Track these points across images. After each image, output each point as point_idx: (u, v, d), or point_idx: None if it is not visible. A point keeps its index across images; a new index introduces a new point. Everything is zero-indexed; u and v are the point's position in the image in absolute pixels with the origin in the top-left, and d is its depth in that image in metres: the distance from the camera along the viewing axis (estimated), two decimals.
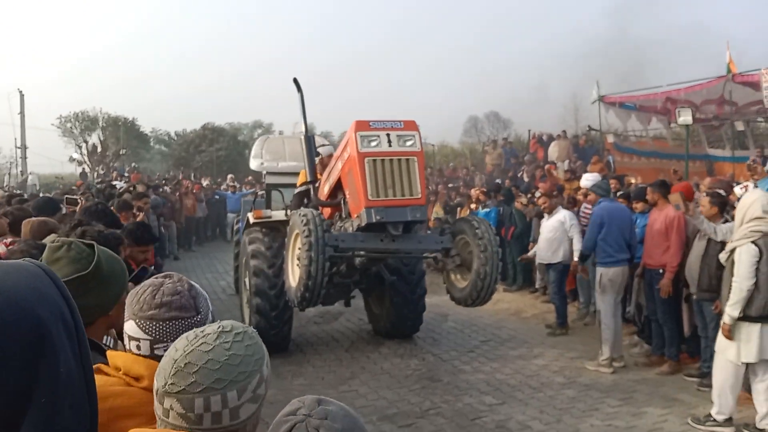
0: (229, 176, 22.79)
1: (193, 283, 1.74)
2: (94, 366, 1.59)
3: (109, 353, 1.72)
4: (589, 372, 6.78)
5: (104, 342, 2.17)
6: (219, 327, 1.33)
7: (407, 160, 5.70)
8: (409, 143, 5.74)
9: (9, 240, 4.66)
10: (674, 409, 5.68)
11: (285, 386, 6.53)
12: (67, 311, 1.04)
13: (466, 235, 6.00)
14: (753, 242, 4.99)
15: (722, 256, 5.35)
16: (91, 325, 1.96)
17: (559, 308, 8.48)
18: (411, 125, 5.84)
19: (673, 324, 6.58)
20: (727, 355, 5.12)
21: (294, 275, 6.11)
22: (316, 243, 5.46)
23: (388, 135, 5.69)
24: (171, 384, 1.26)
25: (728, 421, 5.22)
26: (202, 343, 1.28)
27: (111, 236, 3.05)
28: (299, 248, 5.75)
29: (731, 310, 5.00)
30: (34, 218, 4.19)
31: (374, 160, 5.62)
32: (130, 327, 1.67)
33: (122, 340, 2.22)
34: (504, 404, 5.99)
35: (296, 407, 1.24)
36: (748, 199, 5.19)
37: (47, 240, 3.88)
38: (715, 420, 5.26)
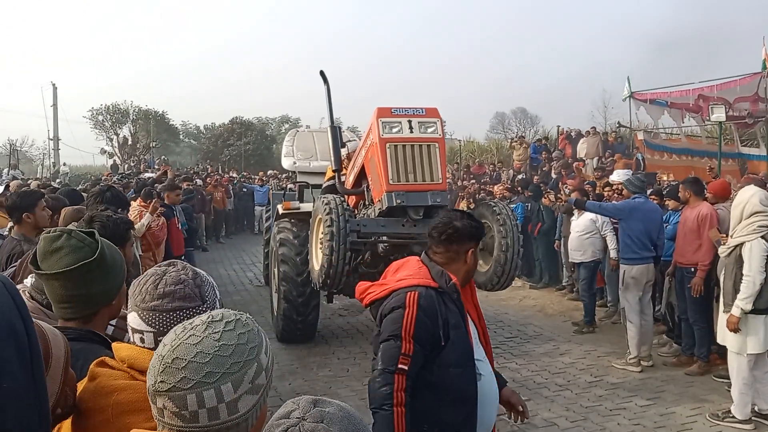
0: (270, 171, 23.21)
1: (198, 270, 1.67)
2: (98, 359, 1.56)
3: (114, 345, 1.65)
4: (617, 371, 6.70)
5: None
6: (208, 317, 1.27)
7: (428, 146, 5.75)
8: (430, 130, 5.80)
9: None
10: (703, 410, 5.59)
11: (311, 377, 6.59)
12: (21, 326, 0.99)
13: (488, 220, 5.98)
14: (762, 237, 5.03)
15: (723, 251, 5.37)
16: (95, 315, 1.92)
17: (588, 306, 8.40)
18: (433, 112, 5.89)
19: (704, 324, 6.46)
20: (736, 349, 5.18)
21: (317, 258, 6.19)
22: (337, 233, 5.52)
23: (409, 121, 5.75)
24: (160, 382, 1.20)
25: (747, 418, 5.21)
26: (191, 335, 1.22)
27: (120, 221, 3.02)
28: (322, 233, 5.82)
29: (744, 303, 5.04)
30: (69, 207, 4.25)
31: (396, 146, 5.68)
32: (133, 319, 1.61)
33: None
34: (530, 401, 5.94)
35: (290, 409, 1.14)
36: (746, 194, 5.20)
37: (71, 227, 3.93)
38: (734, 416, 5.25)
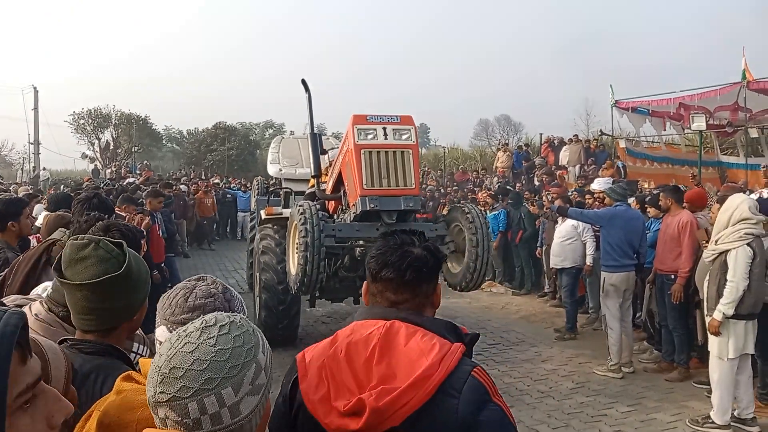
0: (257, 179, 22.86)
1: (227, 285, 1.67)
2: (125, 373, 1.55)
3: (141, 361, 1.62)
4: (598, 377, 6.73)
5: (136, 350, 2.05)
6: (202, 322, 1.25)
7: (402, 152, 5.89)
8: (404, 137, 5.94)
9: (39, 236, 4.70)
10: (683, 416, 5.62)
11: None
12: None
13: (460, 223, 6.20)
14: (747, 244, 5.10)
15: (707, 256, 5.41)
16: (115, 330, 1.87)
17: (570, 312, 8.44)
18: (407, 120, 6.04)
19: (684, 330, 6.53)
20: (719, 354, 5.23)
21: (294, 262, 6.30)
22: (311, 244, 5.65)
23: (384, 128, 5.90)
24: (160, 393, 1.19)
25: (726, 424, 5.26)
26: (186, 343, 1.21)
27: (136, 230, 2.99)
28: (298, 241, 5.92)
29: (726, 308, 5.11)
30: (51, 213, 4.19)
31: (370, 152, 5.82)
32: (161, 333, 1.60)
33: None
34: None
35: None
36: (735, 201, 5.28)
37: (56, 235, 3.87)
38: (713, 422, 5.29)
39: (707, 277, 5.35)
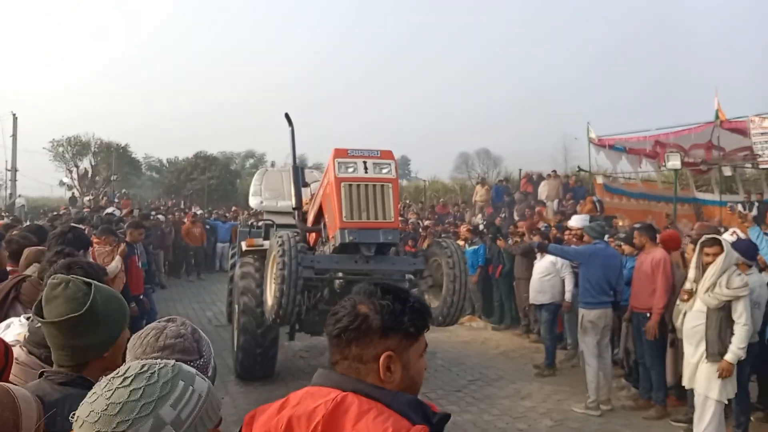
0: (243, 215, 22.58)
1: (195, 327, 1.75)
2: None
3: None
4: (577, 415, 6.73)
5: None
6: (117, 372, 1.26)
7: (382, 186, 5.95)
8: (384, 171, 6.01)
9: (9, 269, 4.63)
10: None
11: None
12: None
13: (438, 257, 6.25)
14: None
15: (709, 299, 5.39)
16: (85, 366, 1.92)
17: (549, 349, 8.46)
18: (387, 155, 6.11)
19: (661, 368, 6.57)
20: (719, 396, 5.26)
21: (270, 293, 6.32)
22: (288, 276, 5.69)
23: (365, 162, 5.97)
24: None
25: None
26: (92, 393, 1.23)
27: (99, 268, 3.00)
28: (275, 272, 5.94)
29: (742, 352, 5.21)
30: (32, 247, 4.15)
31: (350, 185, 5.88)
32: None
33: None
34: None
35: None
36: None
37: (29, 270, 3.83)
38: None
39: (705, 322, 5.36)
